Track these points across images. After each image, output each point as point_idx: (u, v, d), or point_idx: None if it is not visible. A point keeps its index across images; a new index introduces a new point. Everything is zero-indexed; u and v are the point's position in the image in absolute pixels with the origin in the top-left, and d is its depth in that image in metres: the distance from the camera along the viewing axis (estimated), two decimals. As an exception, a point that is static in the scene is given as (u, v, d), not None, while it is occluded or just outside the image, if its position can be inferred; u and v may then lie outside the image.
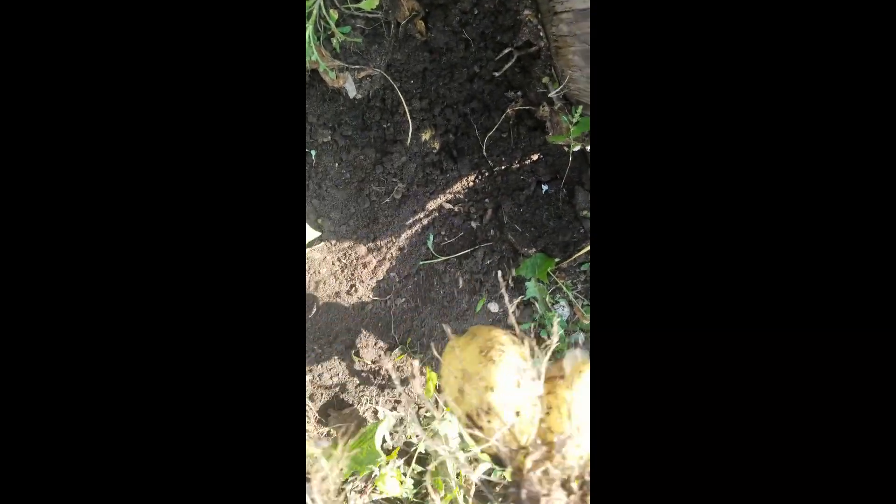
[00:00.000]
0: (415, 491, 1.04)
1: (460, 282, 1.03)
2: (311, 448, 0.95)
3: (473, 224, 1.00)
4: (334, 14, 0.77)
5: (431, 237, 1.01)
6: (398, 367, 1.02)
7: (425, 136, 0.91)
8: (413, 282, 1.04)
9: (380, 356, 1.02)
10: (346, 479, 1.02)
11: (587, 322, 1.03)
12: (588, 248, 0.96)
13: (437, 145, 0.94)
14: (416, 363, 1.02)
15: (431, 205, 0.97)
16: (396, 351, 1.02)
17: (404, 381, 1.01)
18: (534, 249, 0.96)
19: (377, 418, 0.99)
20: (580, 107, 0.81)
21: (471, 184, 0.97)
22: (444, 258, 1.01)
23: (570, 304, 1.05)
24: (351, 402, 1.00)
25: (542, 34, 0.84)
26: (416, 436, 1.00)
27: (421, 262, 1.03)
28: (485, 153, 0.95)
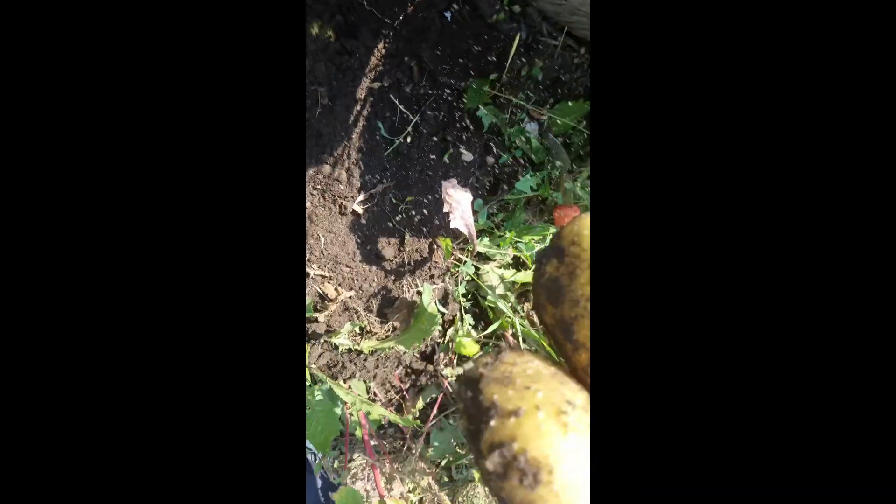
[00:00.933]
0: (489, 342, 1.17)
1: (427, 151, 1.06)
2: (377, 343, 1.08)
3: (408, 89, 1.01)
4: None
5: (380, 125, 1.03)
6: (416, 250, 1.10)
7: (314, 31, 0.90)
8: (389, 174, 1.08)
9: (398, 249, 1.10)
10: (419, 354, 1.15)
11: (558, 121, 1.06)
12: (515, 48, 0.96)
13: (332, 34, 0.92)
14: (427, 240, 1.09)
15: (360, 92, 0.98)
16: (407, 238, 1.09)
17: (427, 259, 1.10)
18: (470, 78, 0.97)
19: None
20: None
21: (383, 51, 0.96)
22: (401, 138, 1.03)
23: (531, 117, 1.07)
24: (396, 296, 1.11)
25: None
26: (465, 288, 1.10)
27: (385, 154, 1.06)
28: (375, 13, 0.93)
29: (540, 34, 0.98)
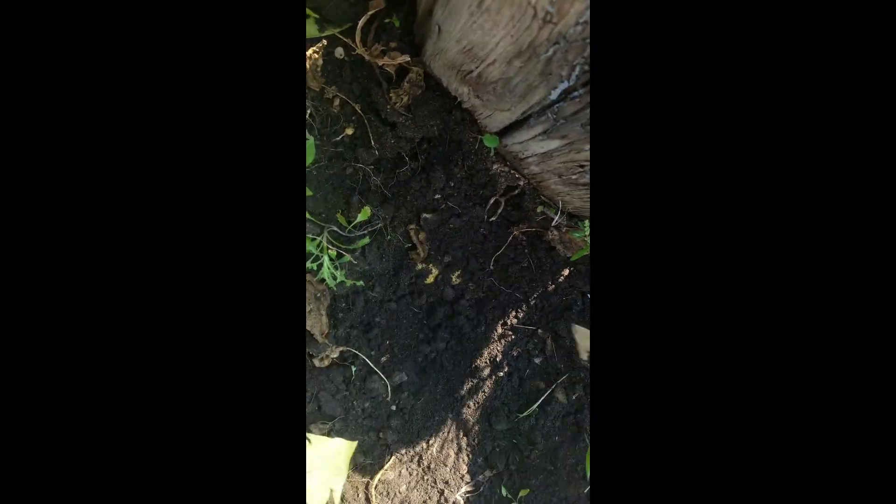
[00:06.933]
0: None
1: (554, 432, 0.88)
2: None
3: (537, 360, 0.92)
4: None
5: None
6: None
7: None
8: (505, 458, 0.88)
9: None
10: None
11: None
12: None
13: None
14: None
15: (486, 356, 0.91)
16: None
17: None
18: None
19: None
20: (586, 221, 0.85)
21: (515, 321, 0.93)
22: (525, 413, 0.89)
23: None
24: None
25: (517, 176, 0.93)
26: None
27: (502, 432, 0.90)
28: (506, 289, 0.94)
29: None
